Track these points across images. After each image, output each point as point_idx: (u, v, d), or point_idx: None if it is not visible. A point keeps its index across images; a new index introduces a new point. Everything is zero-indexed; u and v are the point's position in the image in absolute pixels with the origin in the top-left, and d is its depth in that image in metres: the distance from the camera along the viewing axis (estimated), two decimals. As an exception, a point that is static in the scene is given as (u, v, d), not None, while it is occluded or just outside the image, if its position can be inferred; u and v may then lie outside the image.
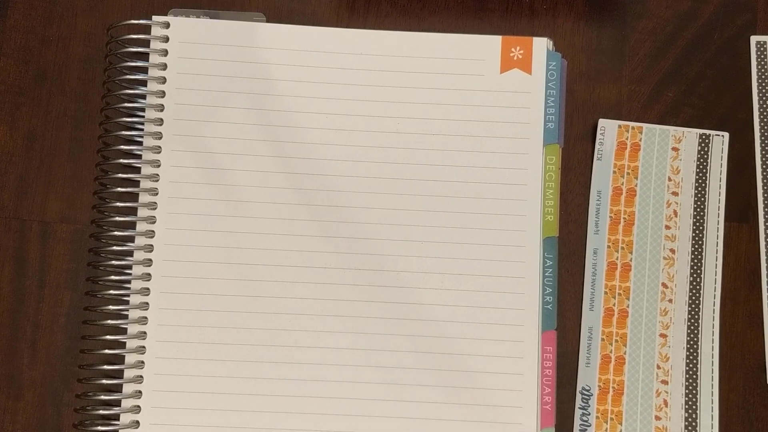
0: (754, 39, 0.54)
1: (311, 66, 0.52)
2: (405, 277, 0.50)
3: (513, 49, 0.52)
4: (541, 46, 0.52)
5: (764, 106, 0.53)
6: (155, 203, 0.51)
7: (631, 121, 0.53)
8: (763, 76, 0.53)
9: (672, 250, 0.50)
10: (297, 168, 0.51)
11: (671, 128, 0.52)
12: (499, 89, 0.52)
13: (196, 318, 0.50)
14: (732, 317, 0.51)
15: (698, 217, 0.50)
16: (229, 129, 0.51)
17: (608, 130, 0.52)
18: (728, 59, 0.54)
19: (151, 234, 0.50)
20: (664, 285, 0.50)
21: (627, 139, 0.52)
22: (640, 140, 0.52)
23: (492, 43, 0.52)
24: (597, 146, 0.52)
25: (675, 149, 0.51)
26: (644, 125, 0.52)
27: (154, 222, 0.51)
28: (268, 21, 0.53)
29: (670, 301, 0.50)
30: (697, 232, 0.51)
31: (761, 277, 0.52)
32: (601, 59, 0.54)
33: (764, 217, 0.52)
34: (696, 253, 0.50)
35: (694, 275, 0.50)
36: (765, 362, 0.51)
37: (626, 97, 0.54)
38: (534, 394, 0.49)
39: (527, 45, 0.52)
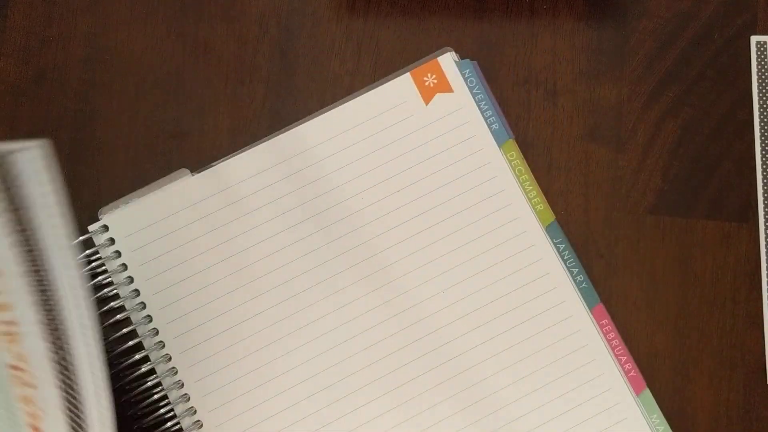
0: (754, 39, 0.54)
1: (257, 191, 0.51)
2: (437, 317, 0.50)
3: (426, 77, 0.52)
4: (447, 62, 0.52)
5: (764, 106, 0.53)
6: None
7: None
8: (763, 76, 0.53)
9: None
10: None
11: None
12: (432, 120, 0.52)
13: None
14: (732, 317, 0.51)
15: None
16: (203, 277, 0.51)
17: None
18: (728, 59, 0.54)
19: None
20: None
21: None
22: None
23: (404, 82, 0.52)
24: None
25: None
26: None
27: None
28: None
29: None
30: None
31: (761, 277, 0.52)
32: (601, 59, 0.54)
33: (764, 217, 0.52)
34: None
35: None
36: (765, 362, 0.51)
37: (626, 97, 0.54)
38: (608, 358, 0.50)
39: (435, 67, 0.52)
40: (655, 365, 0.51)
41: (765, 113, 0.53)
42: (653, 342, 0.51)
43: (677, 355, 0.51)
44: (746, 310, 0.52)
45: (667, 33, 0.54)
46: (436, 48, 0.54)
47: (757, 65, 0.54)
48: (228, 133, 0.53)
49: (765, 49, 0.54)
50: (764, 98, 0.53)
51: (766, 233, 0.52)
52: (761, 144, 0.53)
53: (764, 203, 0.52)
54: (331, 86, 0.54)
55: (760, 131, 0.53)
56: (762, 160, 0.53)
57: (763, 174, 0.53)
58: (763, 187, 0.52)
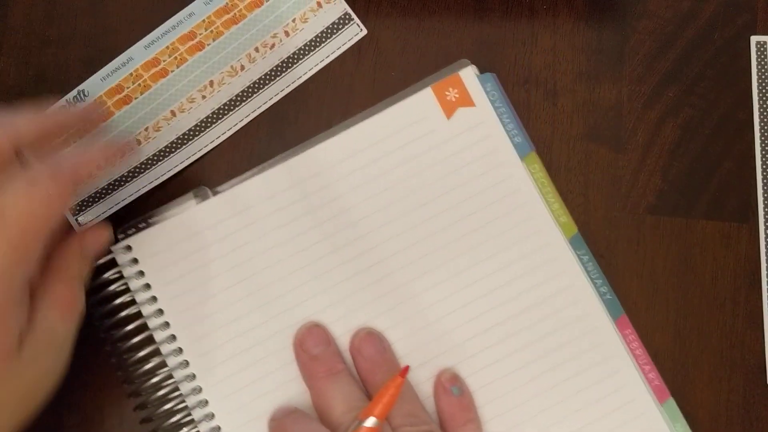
0: (754, 39, 0.54)
1: (276, 212, 0.51)
2: (460, 331, 0.50)
3: (447, 92, 0.52)
4: (469, 76, 0.52)
5: (764, 106, 0.53)
6: None
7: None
8: (763, 76, 0.53)
9: None
10: None
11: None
12: (455, 134, 0.52)
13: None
14: (732, 317, 0.51)
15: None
16: (225, 298, 0.50)
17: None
18: (728, 59, 0.54)
19: None
20: None
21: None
22: None
23: (426, 97, 0.52)
24: None
25: None
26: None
27: None
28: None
29: None
30: None
31: (761, 277, 0.52)
32: (601, 59, 0.54)
33: (764, 217, 0.52)
34: None
35: None
36: (765, 362, 0.51)
37: (626, 97, 0.54)
38: (632, 369, 0.50)
39: (457, 81, 0.52)
40: (655, 365, 0.51)
41: (765, 113, 0.53)
42: (653, 342, 0.51)
43: (677, 355, 0.51)
44: (746, 310, 0.52)
45: (667, 33, 0.54)
46: (437, 48, 0.54)
47: (757, 65, 0.54)
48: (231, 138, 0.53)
49: (765, 49, 0.54)
50: (764, 98, 0.53)
51: (766, 233, 0.52)
52: (761, 144, 0.53)
53: (764, 203, 0.52)
54: (331, 86, 0.54)
55: (760, 131, 0.53)
56: (762, 160, 0.53)
57: (763, 174, 0.53)
58: (763, 187, 0.52)
